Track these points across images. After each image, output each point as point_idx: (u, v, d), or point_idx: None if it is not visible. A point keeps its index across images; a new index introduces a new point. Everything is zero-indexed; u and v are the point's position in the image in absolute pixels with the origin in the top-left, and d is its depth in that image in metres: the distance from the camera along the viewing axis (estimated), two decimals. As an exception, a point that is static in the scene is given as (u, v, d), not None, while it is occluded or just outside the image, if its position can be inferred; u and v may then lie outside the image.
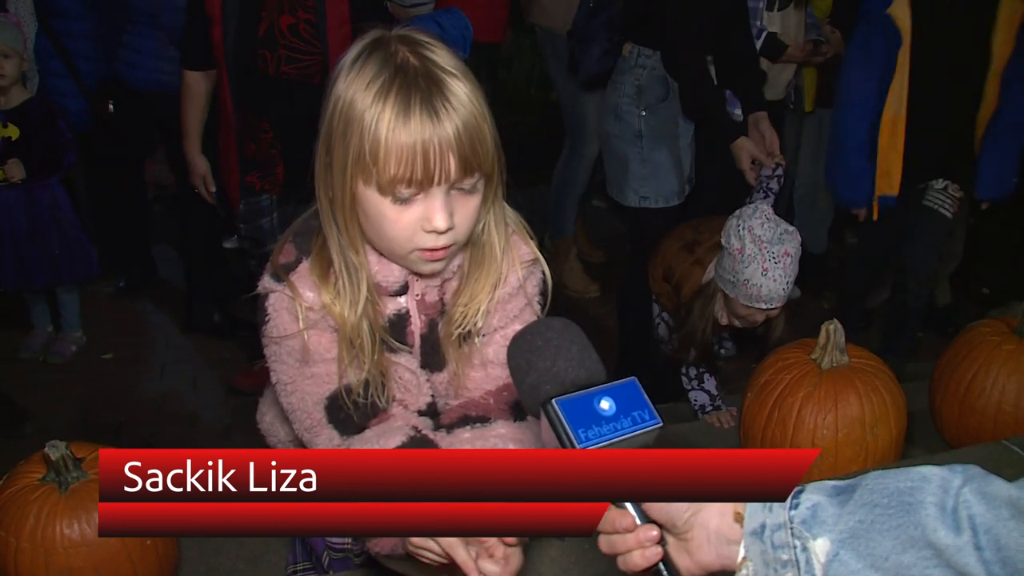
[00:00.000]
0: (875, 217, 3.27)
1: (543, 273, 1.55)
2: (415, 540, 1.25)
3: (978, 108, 3.17)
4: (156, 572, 1.86)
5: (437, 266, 1.40)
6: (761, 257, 2.38)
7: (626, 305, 3.64)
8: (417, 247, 1.35)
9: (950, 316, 4.26)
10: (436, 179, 1.30)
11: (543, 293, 1.56)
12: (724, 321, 2.63)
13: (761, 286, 2.39)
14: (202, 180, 3.14)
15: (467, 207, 1.36)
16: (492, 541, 1.27)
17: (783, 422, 2.09)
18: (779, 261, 2.40)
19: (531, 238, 1.54)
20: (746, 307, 2.47)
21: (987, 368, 2.33)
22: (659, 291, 3.02)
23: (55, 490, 1.80)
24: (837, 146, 3.25)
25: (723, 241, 2.47)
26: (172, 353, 4.14)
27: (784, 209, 4.57)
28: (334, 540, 1.73)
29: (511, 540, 1.29)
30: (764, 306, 2.44)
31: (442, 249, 1.36)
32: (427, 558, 1.27)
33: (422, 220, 1.32)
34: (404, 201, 1.32)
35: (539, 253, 1.54)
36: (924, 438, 2.48)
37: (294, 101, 2.71)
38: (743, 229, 2.42)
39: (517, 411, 1.51)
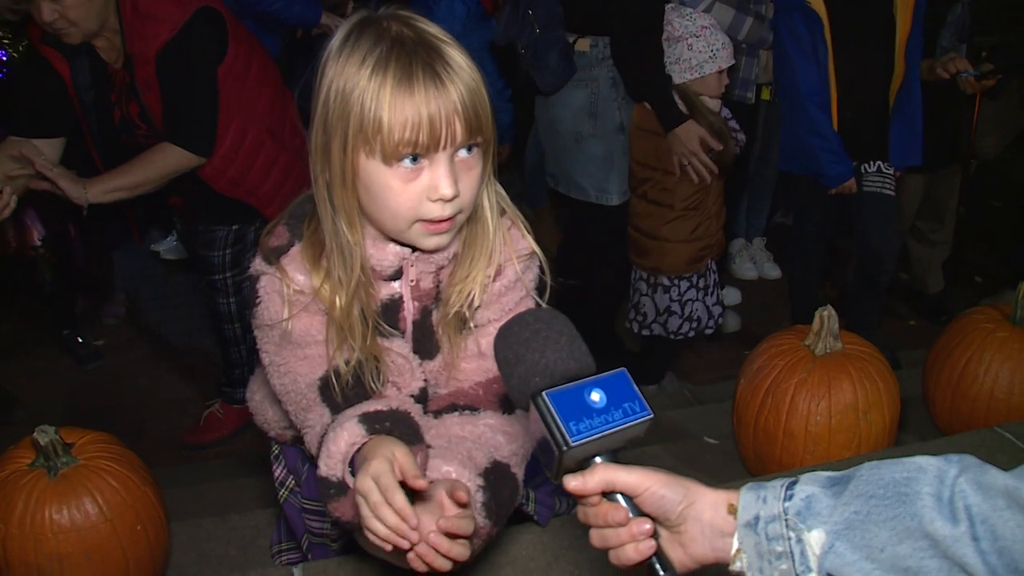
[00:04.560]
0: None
1: (540, 267, 1.55)
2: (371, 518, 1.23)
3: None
4: (147, 557, 1.85)
5: (440, 240, 1.39)
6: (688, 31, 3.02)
7: (602, 300, 3.64)
8: (421, 218, 1.35)
9: (943, 303, 4.27)
10: (443, 143, 1.30)
11: (541, 286, 1.55)
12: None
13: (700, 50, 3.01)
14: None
15: (470, 176, 1.36)
16: (446, 502, 1.26)
17: (776, 408, 2.09)
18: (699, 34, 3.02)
19: (528, 232, 1.53)
20: (712, 75, 3.03)
21: (980, 355, 2.32)
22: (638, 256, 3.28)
23: (44, 475, 1.79)
24: (809, 130, 3.23)
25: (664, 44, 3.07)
26: (164, 340, 4.14)
27: (772, 197, 4.60)
28: (313, 524, 1.73)
29: (460, 497, 1.28)
30: (721, 64, 3.03)
31: (446, 220, 1.36)
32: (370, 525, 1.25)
33: (428, 189, 1.32)
34: (409, 170, 1.31)
35: (537, 247, 1.53)
36: (917, 425, 2.48)
37: None
38: (667, 24, 3.04)
39: (506, 404, 1.50)
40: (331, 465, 1.35)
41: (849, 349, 2.13)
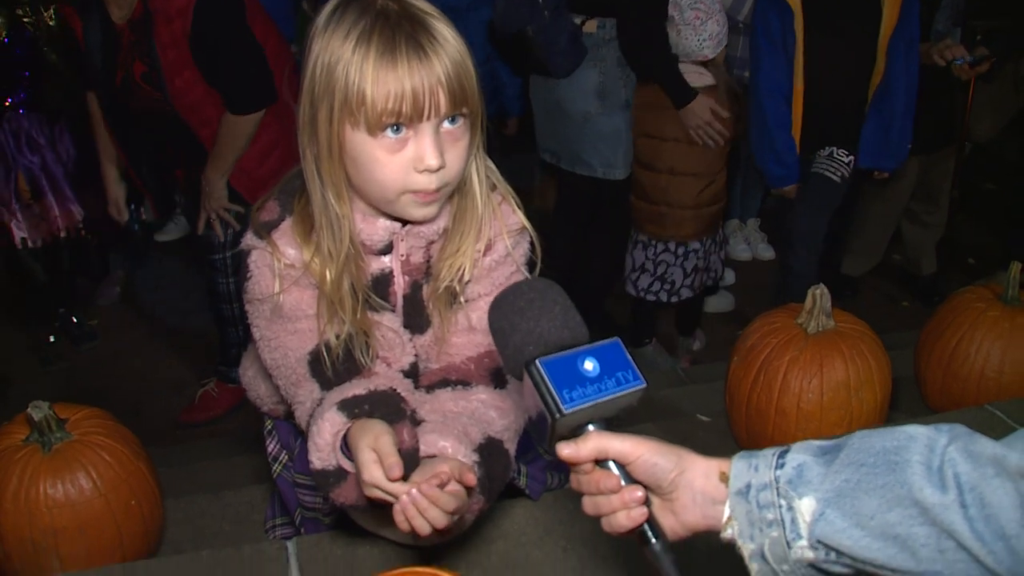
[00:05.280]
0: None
1: (531, 242, 1.56)
2: (363, 477, 1.26)
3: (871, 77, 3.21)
4: (141, 533, 1.86)
5: (429, 210, 1.40)
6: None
7: (599, 272, 3.68)
8: (408, 189, 1.35)
9: (935, 285, 4.29)
10: (426, 114, 1.30)
11: (531, 262, 1.56)
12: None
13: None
14: (115, 207, 3.26)
15: (456, 148, 1.37)
16: (445, 475, 1.27)
17: (768, 386, 2.10)
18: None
19: (519, 207, 1.54)
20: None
21: (971, 335, 2.33)
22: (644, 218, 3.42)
23: (38, 450, 1.80)
24: (760, 127, 3.25)
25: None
26: (159, 320, 4.14)
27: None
28: (306, 499, 1.74)
29: (469, 480, 1.30)
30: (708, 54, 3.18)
31: (434, 191, 1.36)
32: (378, 496, 1.27)
33: (414, 161, 1.33)
34: (394, 141, 1.32)
35: (527, 222, 1.54)
36: (908, 404, 2.49)
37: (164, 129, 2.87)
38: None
39: (498, 378, 1.51)
40: (323, 457, 1.36)
41: (842, 327, 2.14)
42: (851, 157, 3.28)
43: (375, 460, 1.24)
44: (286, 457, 1.78)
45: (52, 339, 3.91)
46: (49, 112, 3.56)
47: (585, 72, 3.26)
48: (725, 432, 2.34)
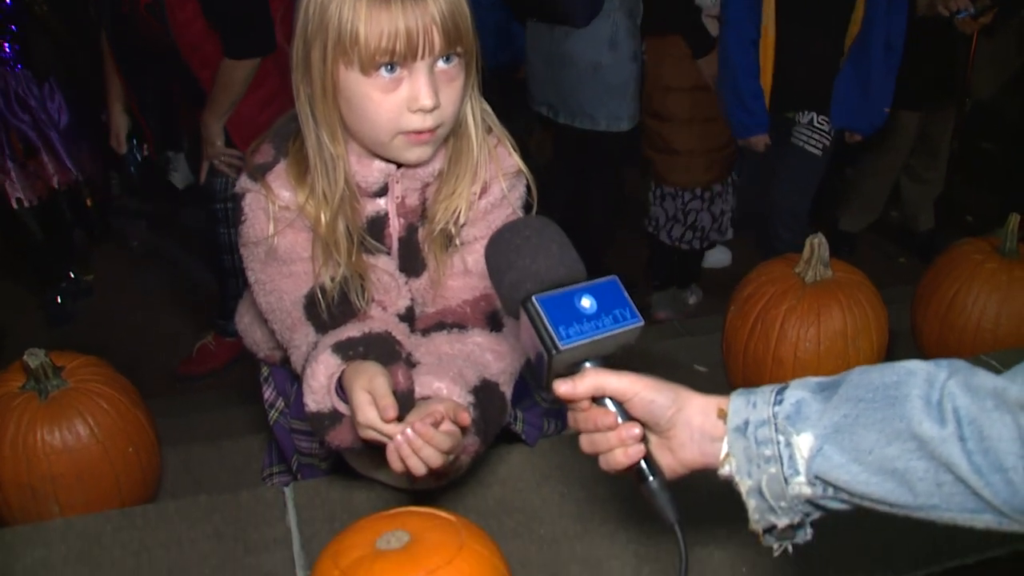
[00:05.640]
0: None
1: (527, 184, 1.55)
2: (358, 419, 1.25)
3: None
4: (139, 480, 1.86)
5: (423, 152, 1.39)
6: None
7: (596, 224, 3.70)
8: (403, 130, 1.34)
9: (933, 242, 4.28)
10: (420, 52, 1.29)
11: (527, 205, 1.55)
12: None
13: None
14: (115, 138, 3.28)
15: (451, 88, 1.36)
16: (439, 415, 1.27)
17: (766, 335, 2.10)
18: None
19: (515, 150, 1.53)
20: None
21: (968, 286, 2.33)
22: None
23: (35, 398, 1.79)
24: (727, 73, 3.20)
25: None
26: (155, 275, 4.12)
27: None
28: (302, 445, 1.74)
29: (464, 420, 1.30)
30: None
31: (428, 132, 1.35)
32: (373, 437, 1.28)
33: (408, 100, 1.32)
34: (388, 81, 1.31)
35: (524, 166, 1.53)
36: (904, 355, 2.45)
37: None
38: None
39: (494, 322, 1.51)
40: (318, 400, 1.36)
41: (839, 277, 2.14)
42: (830, 124, 3.24)
43: (370, 401, 1.24)
44: (282, 404, 1.78)
45: (59, 300, 3.90)
46: (37, 69, 3.52)
47: (598, 22, 3.25)
48: (722, 383, 2.34)
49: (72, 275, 3.96)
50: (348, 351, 1.35)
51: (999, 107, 4.90)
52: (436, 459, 1.24)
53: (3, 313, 3.78)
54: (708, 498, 1.47)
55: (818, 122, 3.24)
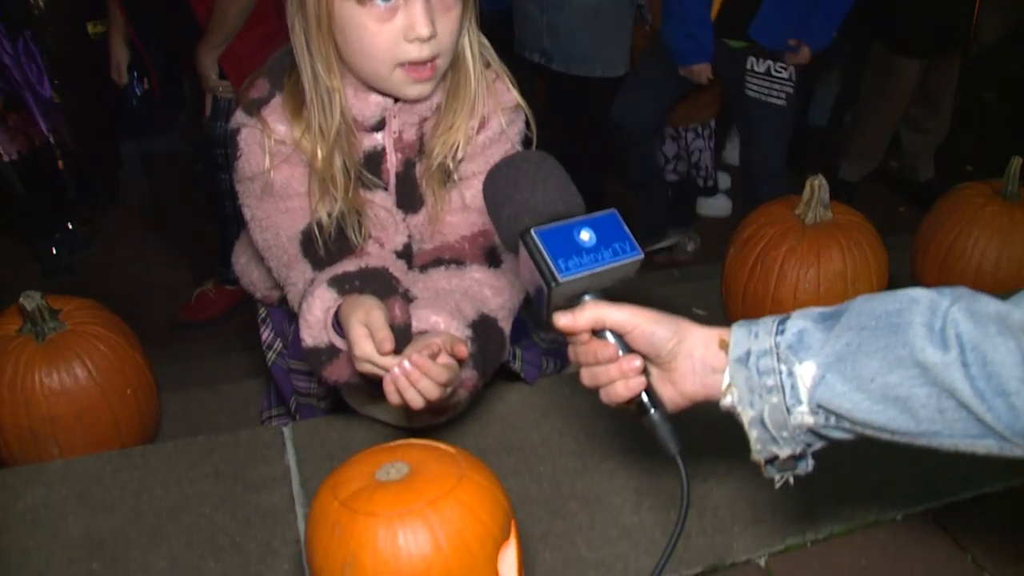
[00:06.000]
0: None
1: (526, 119, 1.53)
2: (354, 352, 1.25)
3: None
4: (138, 422, 1.86)
5: (423, 88, 1.37)
6: None
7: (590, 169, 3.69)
8: (400, 60, 1.33)
9: (932, 192, 4.26)
10: None
11: (526, 140, 1.54)
12: None
13: None
14: (116, 69, 3.29)
15: (448, 17, 1.34)
16: (436, 347, 1.26)
17: (765, 277, 2.09)
18: None
19: (513, 85, 1.51)
20: None
21: (969, 230, 2.32)
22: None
23: (32, 340, 1.79)
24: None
25: None
26: (152, 226, 4.10)
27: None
28: (301, 385, 1.74)
29: (461, 352, 1.29)
30: None
31: (427, 64, 1.33)
32: (369, 371, 1.27)
33: (404, 29, 1.30)
34: (384, 10, 1.29)
35: (522, 100, 1.52)
36: (903, 299, 2.48)
37: None
38: None
39: (492, 258, 1.50)
40: (314, 335, 1.35)
41: (839, 219, 2.13)
42: (790, 68, 3.19)
43: (366, 335, 1.23)
44: (280, 345, 1.78)
45: (55, 251, 3.88)
46: (10, 24, 3.47)
47: None
48: (721, 325, 2.34)
49: (70, 227, 3.93)
50: (344, 285, 1.34)
51: (1002, 56, 4.85)
52: (433, 391, 1.23)
53: (3, 271, 3.76)
54: (706, 436, 1.48)
55: (776, 70, 3.20)
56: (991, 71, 4.90)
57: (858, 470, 1.50)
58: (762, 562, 1.37)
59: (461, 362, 1.30)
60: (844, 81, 4.94)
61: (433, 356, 1.24)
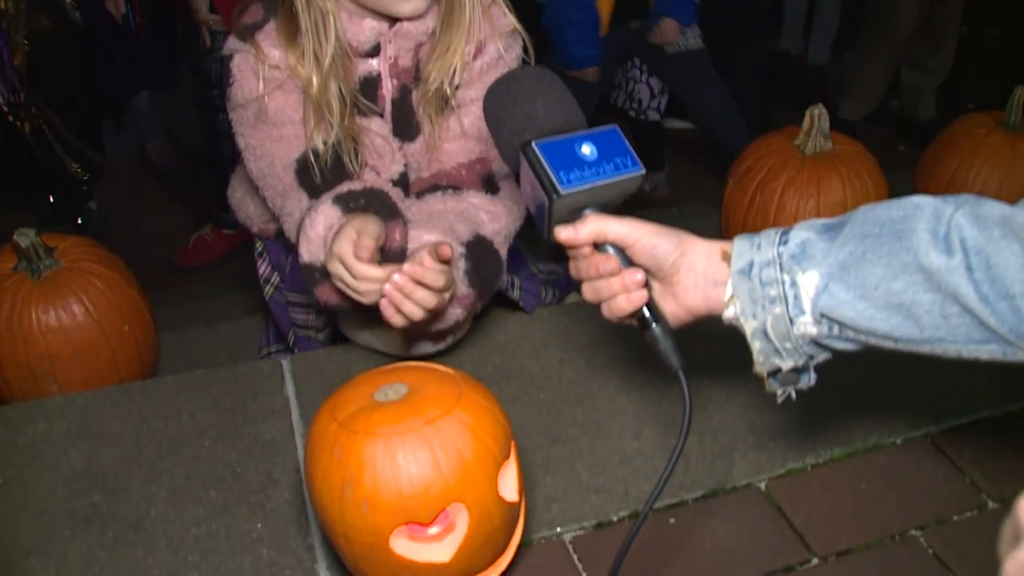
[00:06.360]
0: None
1: (524, 43, 1.51)
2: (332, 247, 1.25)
3: None
4: (136, 359, 1.85)
5: (416, 4, 1.34)
6: None
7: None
8: None
9: (933, 130, 4.21)
10: None
11: (524, 64, 1.51)
12: None
13: None
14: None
15: None
16: (426, 259, 1.26)
17: (764, 208, 2.07)
18: None
19: (510, 10, 1.49)
20: None
21: (971, 161, 2.30)
22: None
23: (28, 278, 1.78)
24: (565, 11, 3.12)
25: None
26: (149, 175, 4.07)
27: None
28: (299, 317, 1.73)
29: (444, 252, 1.28)
30: None
31: None
32: (338, 273, 1.27)
33: None
34: None
35: (519, 24, 1.49)
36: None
37: None
38: None
39: (490, 184, 1.48)
40: (312, 251, 1.34)
41: (840, 149, 2.10)
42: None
43: (351, 237, 1.23)
44: (277, 278, 1.77)
45: (52, 199, 3.84)
46: None
47: None
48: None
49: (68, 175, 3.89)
50: (349, 203, 1.33)
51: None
52: (430, 299, 1.24)
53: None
54: (706, 364, 1.48)
55: (668, 26, 3.27)
56: (995, 6, 4.83)
57: (858, 396, 1.50)
58: (762, 486, 1.37)
59: (447, 263, 1.29)
60: (844, 18, 4.88)
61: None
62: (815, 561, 1.25)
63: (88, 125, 3.72)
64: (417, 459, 1.02)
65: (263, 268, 1.78)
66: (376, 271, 1.23)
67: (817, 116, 2.07)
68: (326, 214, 1.32)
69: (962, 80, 4.53)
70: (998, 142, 2.28)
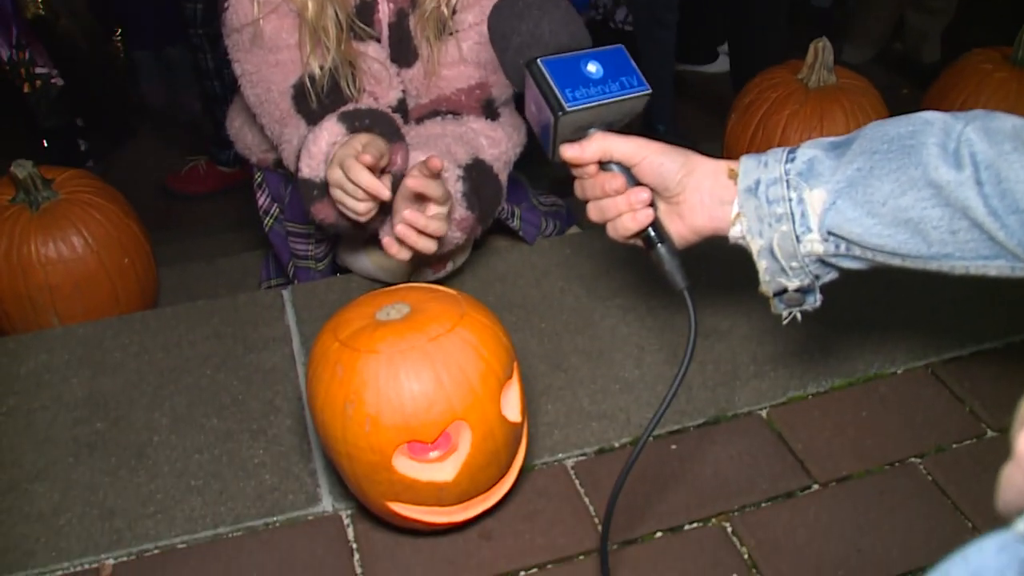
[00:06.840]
0: None
1: None
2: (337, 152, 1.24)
3: None
4: (136, 291, 1.85)
5: None
6: None
7: None
8: None
9: (937, 73, 4.17)
10: None
11: None
12: None
13: None
14: None
15: None
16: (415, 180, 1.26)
17: (767, 141, 2.05)
18: None
19: None
20: None
21: (976, 96, 2.27)
22: None
23: (26, 210, 1.76)
24: None
25: None
26: (143, 111, 4.03)
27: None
28: (298, 248, 1.73)
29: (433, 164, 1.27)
30: None
31: None
32: (336, 181, 1.27)
33: None
34: None
35: None
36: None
37: None
38: None
39: (489, 110, 1.47)
40: (312, 166, 1.33)
41: (843, 83, 2.08)
42: None
43: (356, 148, 1.24)
44: (277, 209, 1.76)
45: (46, 144, 3.81)
46: None
47: None
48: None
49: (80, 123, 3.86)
50: (354, 122, 1.32)
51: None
52: (441, 227, 1.25)
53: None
54: (707, 294, 1.47)
55: None
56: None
57: (859, 326, 1.50)
58: (764, 413, 1.37)
59: (439, 175, 1.29)
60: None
61: (416, 196, 1.24)
62: (815, 487, 1.26)
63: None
64: (420, 376, 1.02)
65: (262, 199, 1.77)
66: (374, 180, 1.22)
67: (821, 49, 2.04)
68: (330, 130, 1.31)
69: (967, 24, 4.47)
70: (1005, 78, 2.26)
